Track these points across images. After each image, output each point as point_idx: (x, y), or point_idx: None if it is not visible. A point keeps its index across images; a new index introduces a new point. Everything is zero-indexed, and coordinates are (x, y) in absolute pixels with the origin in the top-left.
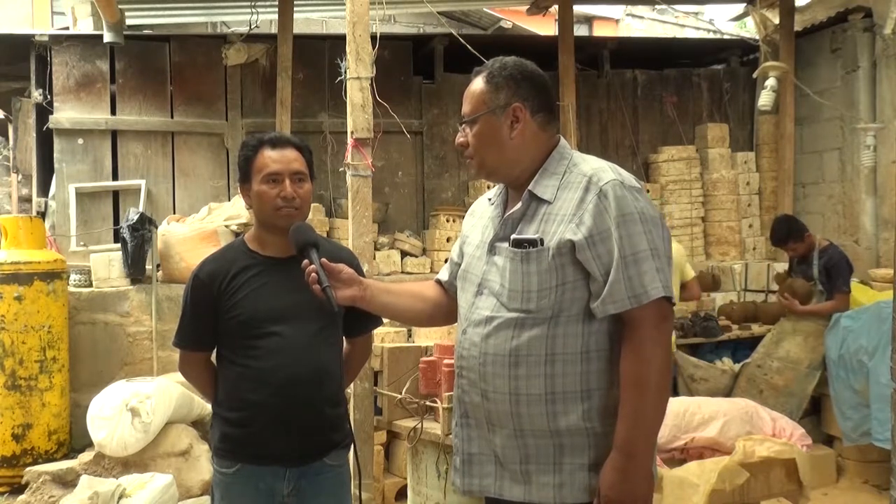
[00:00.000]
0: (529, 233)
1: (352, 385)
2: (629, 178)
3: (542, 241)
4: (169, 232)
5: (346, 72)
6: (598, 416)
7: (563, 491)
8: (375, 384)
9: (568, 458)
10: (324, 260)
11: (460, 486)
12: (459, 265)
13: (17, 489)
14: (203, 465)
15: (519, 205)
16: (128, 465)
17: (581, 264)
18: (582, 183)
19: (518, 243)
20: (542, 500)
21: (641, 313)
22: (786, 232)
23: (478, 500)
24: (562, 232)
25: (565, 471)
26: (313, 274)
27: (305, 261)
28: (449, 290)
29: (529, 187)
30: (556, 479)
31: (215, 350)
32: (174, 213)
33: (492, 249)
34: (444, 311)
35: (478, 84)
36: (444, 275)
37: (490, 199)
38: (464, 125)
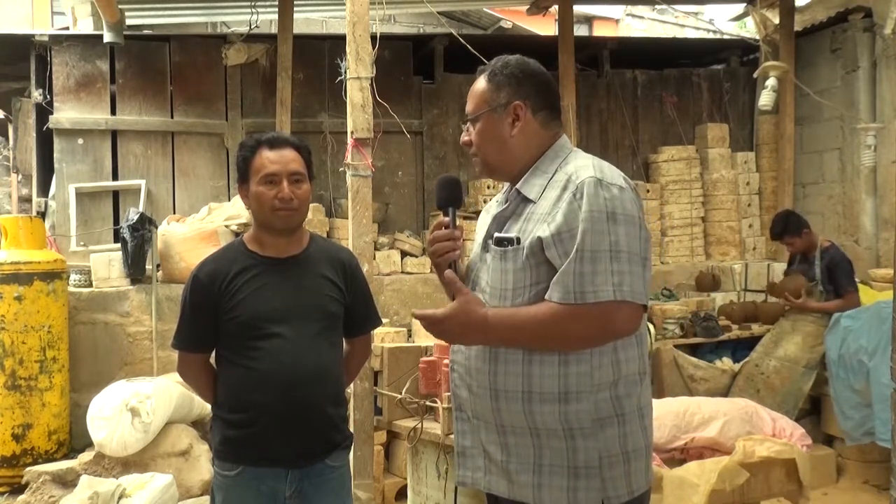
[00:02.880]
0: (513, 231)
1: (352, 385)
2: (611, 176)
3: (518, 239)
4: (169, 232)
5: (346, 72)
6: (577, 419)
7: (541, 492)
8: (375, 384)
9: (547, 460)
10: (460, 225)
11: (457, 478)
12: None
13: (17, 489)
14: (203, 465)
15: (510, 203)
16: (128, 465)
17: (552, 264)
18: (562, 181)
19: (499, 241)
20: (523, 499)
21: (599, 310)
22: (782, 226)
23: (478, 501)
24: (535, 230)
25: (544, 472)
26: (453, 242)
27: (446, 220)
28: None
29: (517, 186)
30: (535, 479)
31: (214, 351)
32: (174, 213)
33: (485, 247)
34: None
35: (480, 83)
36: None
37: (497, 201)
38: (468, 123)
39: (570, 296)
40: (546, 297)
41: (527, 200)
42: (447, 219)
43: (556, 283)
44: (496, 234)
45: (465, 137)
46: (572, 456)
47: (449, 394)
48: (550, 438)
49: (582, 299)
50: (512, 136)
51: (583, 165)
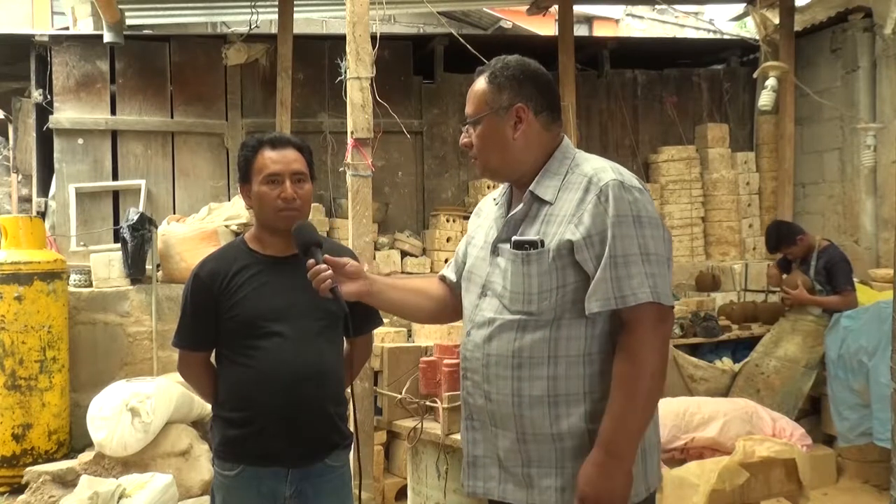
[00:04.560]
0: (531, 234)
1: (352, 385)
2: (630, 178)
3: (542, 242)
4: (169, 232)
5: (346, 72)
6: (600, 417)
7: (565, 494)
8: (375, 384)
9: (570, 462)
10: (327, 256)
11: (465, 488)
12: (465, 265)
13: (17, 489)
14: (203, 465)
15: (521, 206)
16: (128, 465)
17: (581, 266)
18: (582, 183)
19: (519, 245)
20: None
21: (636, 314)
22: (775, 239)
23: (480, 503)
24: (561, 233)
25: (567, 474)
26: (320, 274)
27: (311, 261)
28: (454, 289)
29: (530, 188)
30: (558, 482)
31: (214, 351)
32: (174, 213)
33: (495, 251)
34: (450, 309)
35: (480, 84)
36: (450, 274)
37: (495, 200)
38: (467, 126)
39: (611, 301)
40: (586, 310)
41: (542, 202)
42: (312, 260)
43: (594, 293)
44: (514, 238)
45: (464, 139)
46: None
47: (448, 394)
48: (574, 440)
49: (623, 303)
50: (514, 138)
51: (601, 167)
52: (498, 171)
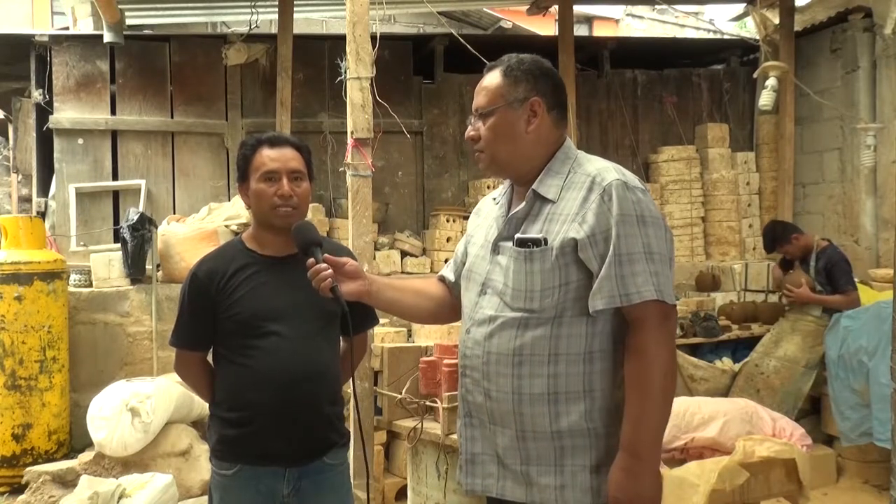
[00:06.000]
0: (533, 232)
1: (353, 385)
2: (633, 179)
3: (545, 240)
4: (169, 232)
5: (346, 72)
6: (600, 416)
7: (564, 492)
8: (375, 384)
9: (569, 460)
10: (326, 255)
11: (464, 486)
12: (464, 264)
13: (17, 489)
14: (203, 465)
15: (523, 204)
16: (128, 465)
17: (584, 264)
18: (586, 183)
19: (522, 242)
20: (544, 502)
21: (641, 313)
22: (771, 239)
23: (479, 501)
24: (565, 231)
25: (566, 472)
26: (321, 274)
27: (311, 260)
28: (453, 289)
29: (533, 186)
30: (557, 480)
31: (212, 350)
32: (174, 213)
33: (495, 249)
34: (448, 309)
35: (494, 77)
36: (448, 273)
37: (495, 199)
38: (476, 118)
39: (616, 299)
40: (590, 308)
41: (545, 201)
42: (312, 259)
43: (598, 291)
44: (517, 236)
45: (471, 132)
46: (594, 454)
47: (448, 394)
48: (574, 438)
49: (628, 301)
50: (527, 132)
51: (603, 167)
52: (505, 165)
